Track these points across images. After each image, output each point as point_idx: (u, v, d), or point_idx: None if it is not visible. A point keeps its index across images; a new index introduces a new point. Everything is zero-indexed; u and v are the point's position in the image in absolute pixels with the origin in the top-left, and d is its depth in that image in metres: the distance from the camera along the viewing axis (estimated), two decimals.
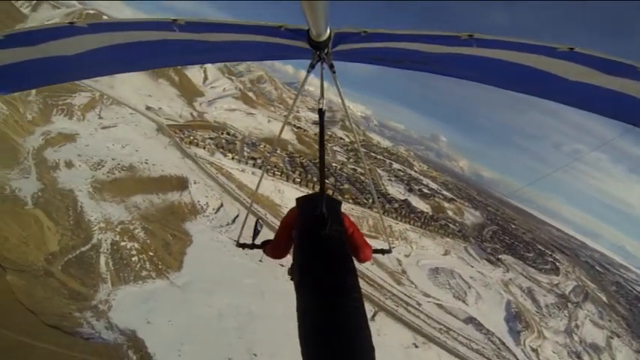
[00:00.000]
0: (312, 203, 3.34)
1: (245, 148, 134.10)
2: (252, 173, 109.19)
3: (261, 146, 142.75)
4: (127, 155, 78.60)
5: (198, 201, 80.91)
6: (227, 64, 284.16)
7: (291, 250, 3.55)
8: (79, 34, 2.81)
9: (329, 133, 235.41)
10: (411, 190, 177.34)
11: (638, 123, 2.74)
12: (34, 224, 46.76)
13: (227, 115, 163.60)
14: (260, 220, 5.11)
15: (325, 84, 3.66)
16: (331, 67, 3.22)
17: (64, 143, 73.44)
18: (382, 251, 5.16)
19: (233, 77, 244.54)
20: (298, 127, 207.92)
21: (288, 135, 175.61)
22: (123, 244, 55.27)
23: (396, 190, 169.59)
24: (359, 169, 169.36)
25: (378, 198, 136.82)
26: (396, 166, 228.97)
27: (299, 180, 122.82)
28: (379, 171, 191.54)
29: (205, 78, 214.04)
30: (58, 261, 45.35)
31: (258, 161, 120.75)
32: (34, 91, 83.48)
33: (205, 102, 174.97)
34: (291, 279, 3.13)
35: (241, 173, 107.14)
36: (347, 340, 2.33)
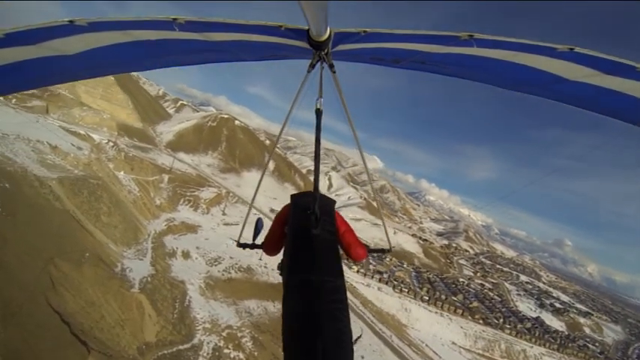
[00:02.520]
0: (305, 200, 3.47)
1: (371, 261, 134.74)
2: (379, 289, 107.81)
3: (388, 259, 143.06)
4: (246, 256, 77.29)
5: None
6: (350, 172, 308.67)
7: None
8: (79, 33, 2.89)
9: (453, 245, 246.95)
10: (542, 306, 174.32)
11: (637, 122, 2.84)
12: (135, 309, 43.95)
13: (353, 225, 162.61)
14: (261, 219, 5.03)
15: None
16: (331, 66, 3.34)
17: (185, 233, 75.37)
18: (382, 251, 5.72)
19: (357, 186, 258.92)
20: (424, 240, 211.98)
21: (414, 248, 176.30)
22: (227, 351, 50.16)
23: (527, 307, 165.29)
24: (487, 285, 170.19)
25: (509, 317, 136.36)
26: (523, 278, 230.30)
27: (427, 298, 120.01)
28: (507, 285, 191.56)
29: (330, 185, 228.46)
30: (151, 353, 41.46)
31: (385, 276, 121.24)
32: (166, 179, 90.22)
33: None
34: (281, 274, 3.32)
35: (366, 288, 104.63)
36: (326, 341, 2.46)
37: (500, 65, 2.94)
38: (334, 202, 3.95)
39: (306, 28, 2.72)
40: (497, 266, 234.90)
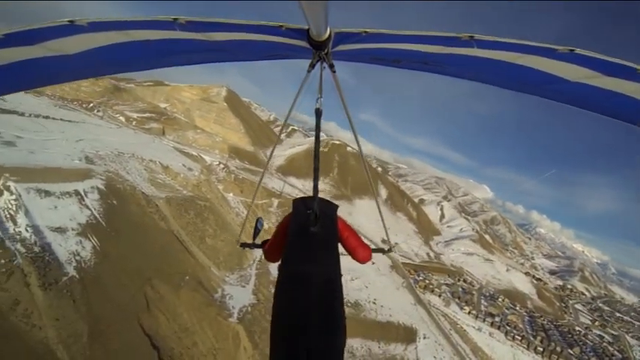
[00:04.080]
0: (305, 203, 3.59)
1: (482, 301, 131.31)
2: (490, 334, 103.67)
3: (500, 299, 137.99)
4: (356, 290, 75.40)
5: None
6: (461, 202, 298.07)
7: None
8: (79, 33, 2.95)
9: (568, 286, 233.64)
10: None
11: (638, 122, 2.86)
12: (230, 340, 42.44)
13: (464, 260, 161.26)
14: (261, 219, 5.28)
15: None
16: (331, 66, 3.39)
17: None
18: (382, 251, 5.51)
19: (468, 217, 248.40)
20: (538, 279, 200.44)
21: (527, 288, 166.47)
22: None
23: None
24: (606, 337, 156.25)
25: None
26: None
27: (541, 349, 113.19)
28: (628, 338, 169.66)
29: (442, 216, 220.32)
30: None
31: (497, 319, 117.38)
32: (275, 203, 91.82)
33: (442, 242, 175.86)
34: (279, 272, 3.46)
35: (477, 332, 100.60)
36: (318, 329, 2.63)
37: (501, 66, 2.95)
38: (336, 206, 3.86)
39: (307, 28, 2.76)
40: (617, 314, 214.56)
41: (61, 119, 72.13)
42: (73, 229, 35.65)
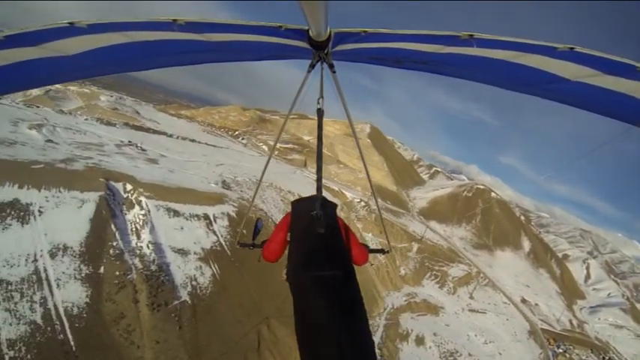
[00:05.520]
0: (307, 204, 3.50)
1: None
2: None
3: None
4: (488, 356, 66.03)
5: None
6: (607, 259, 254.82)
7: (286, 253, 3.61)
8: (78, 35, 2.96)
9: None
10: None
11: (638, 123, 2.79)
12: None
13: (612, 333, 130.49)
14: (260, 219, 5.06)
15: None
16: (331, 66, 3.41)
17: (424, 313, 67.63)
18: (382, 251, 5.38)
19: (617, 279, 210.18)
20: None
21: None
22: None
23: None
24: None
25: None
26: None
27: None
28: None
29: (588, 276, 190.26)
30: None
31: None
32: (415, 248, 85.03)
33: (587, 308, 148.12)
34: (287, 280, 3.15)
35: None
36: (350, 337, 2.41)
37: (500, 65, 2.91)
38: (336, 205, 3.75)
39: (306, 28, 2.73)
40: None
41: (206, 143, 75.96)
42: (195, 253, 34.23)
